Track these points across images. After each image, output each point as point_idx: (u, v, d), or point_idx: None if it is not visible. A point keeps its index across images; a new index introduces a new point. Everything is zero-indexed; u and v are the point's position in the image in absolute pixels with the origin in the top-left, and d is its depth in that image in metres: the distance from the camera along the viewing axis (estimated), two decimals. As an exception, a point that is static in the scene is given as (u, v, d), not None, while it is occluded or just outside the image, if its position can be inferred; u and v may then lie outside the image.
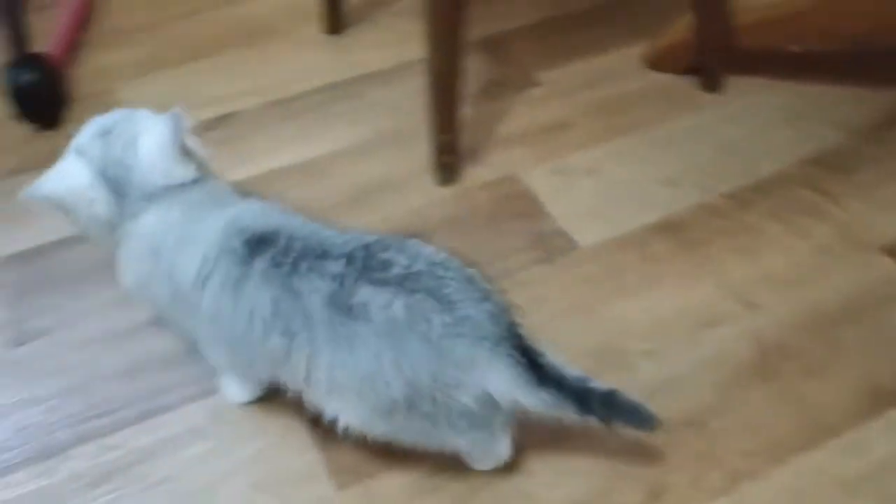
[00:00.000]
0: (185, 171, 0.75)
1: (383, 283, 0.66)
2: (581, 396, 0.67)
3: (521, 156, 1.09)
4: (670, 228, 0.99)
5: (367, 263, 0.67)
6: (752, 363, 0.84)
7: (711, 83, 1.17)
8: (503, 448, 0.75)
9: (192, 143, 0.77)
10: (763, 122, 1.12)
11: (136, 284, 0.77)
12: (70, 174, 0.74)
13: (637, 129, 1.13)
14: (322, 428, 0.80)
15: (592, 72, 1.23)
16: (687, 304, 0.90)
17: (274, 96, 1.22)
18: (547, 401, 0.66)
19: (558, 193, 1.04)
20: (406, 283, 0.66)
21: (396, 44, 1.30)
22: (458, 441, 0.71)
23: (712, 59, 1.16)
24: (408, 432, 0.70)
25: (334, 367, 0.67)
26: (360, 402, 0.67)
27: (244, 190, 0.82)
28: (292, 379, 0.71)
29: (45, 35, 1.26)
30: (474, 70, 1.19)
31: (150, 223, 0.74)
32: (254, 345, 0.70)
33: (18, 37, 1.18)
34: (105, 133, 0.75)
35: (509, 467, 0.77)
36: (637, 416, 0.69)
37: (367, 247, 0.68)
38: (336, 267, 0.67)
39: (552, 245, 0.97)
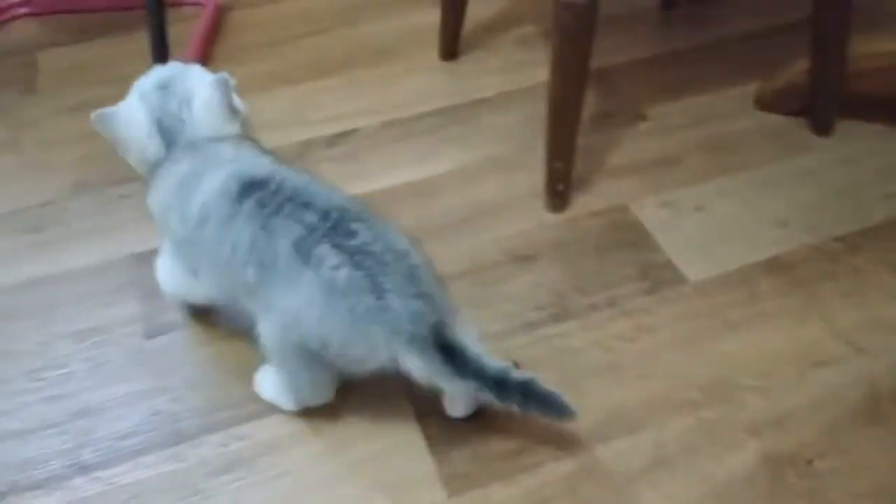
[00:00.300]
0: (231, 128, 0.86)
1: (340, 248, 0.75)
2: (500, 385, 0.75)
3: (630, 187, 1.12)
4: (778, 268, 1.00)
5: (337, 225, 0.76)
6: (862, 406, 0.85)
7: (823, 127, 1.18)
8: (327, 390, 0.85)
9: (238, 103, 0.88)
10: (875, 168, 1.13)
11: (159, 212, 0.87)
12: (132, 119, 0.85)
13: (746, 168, 1.14)
14: (436, 436, 0.84)
15: (701, 109, 1.25)
16: (795, 344, 0.91)
17: (392, 116, 1.27)
18: (467, 387, 0.75)
19: (667, 227, 1.06)
20: (356, 256, 0.75)
21: (510, 71, 1.35)
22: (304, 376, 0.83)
23: (826, 102, 1.17)
24: (293, 362, 0.81)
25: (276, 295, 0.77)
26: (280, 330, 0.78)
27: (276, 153, 0.89)
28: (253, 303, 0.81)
29: (183, 46, 1.35)
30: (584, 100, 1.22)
31: (184, 167, 0.84)
32: (234, 275, 0.80)
33: (160, 46, 1.27)
34: (164, 86, 0.86)
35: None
36: (552, 405, 0.76)
37: (344, 210, 0.78)
38: (312, 218, 0.76)
39: (660, 277, 0.99)
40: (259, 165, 0.83)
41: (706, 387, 0.87)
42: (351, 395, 0.88)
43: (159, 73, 0.89)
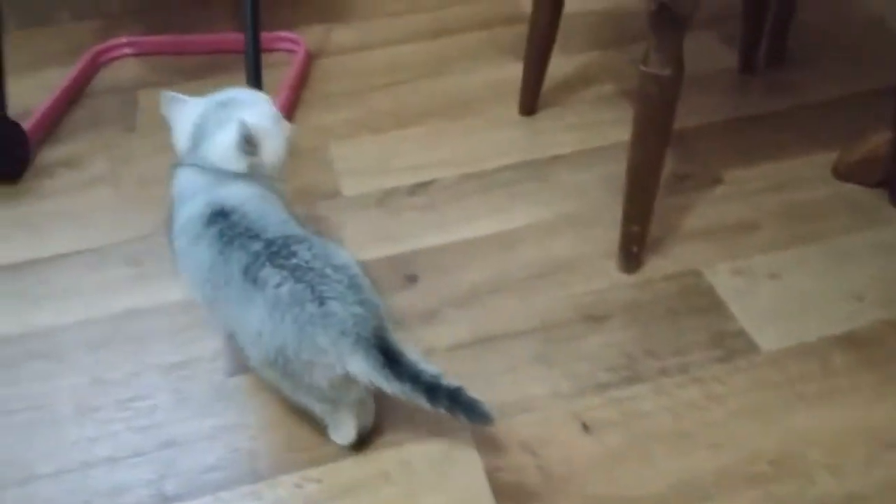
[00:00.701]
0: (236, 166, 0.94)
1: (282, 267, 0.83)
2: (431, 390, 0.81)
3: (704, 252, 1.13)
4: (853, 343, 0.99)
5: (279, 249, 0.84)
6: (937, 493, 0.84)
7: (904, 199, 1.17)
8: (348, 431, 0.91)
9: (271, 149, 0.95)
10: (957, 245, 1.11)
11: (171, 203, 0.97)
12: (185, 113, 0.97)
13: (822, 238, 1.14)
14: (504, 492, 0.86)
15: (778, 175, 1.25)
16: (869, 423, 0.91)
17: (469, 169, 1.31)
18: (404, 390, 0.81)
19: (740, 294, 1.06)
20: (297, 272, 0.83)
21: (587, 129, 1.38)
22: (314, 406, 0.89)
23: (908, 176, 1.16)
24: (282, 385, 0.88)
25: (238, 319, 0.86)
26: (252, 349, 0.86)
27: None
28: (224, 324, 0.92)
29: (274, 90, 1.42)
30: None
31: (188, 176, 0.95)
32: (196, 288, 0.91)
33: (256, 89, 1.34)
34: (224, 104, 0.96)
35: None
36: (475, 411, 0.81)
37: (287, 238, 0.86)
38: (257, 246, 0.85)
39: (732, 345, 1.00)
40: (232, 196, 0.91)
41: (776, 461, 0.87)
42: (421, 445, 0.91)
43: (236, 93, 0.99)
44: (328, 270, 0.83)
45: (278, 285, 0.82)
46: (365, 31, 1.71)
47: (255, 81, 1.35)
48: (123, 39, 1.67)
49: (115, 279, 1.16)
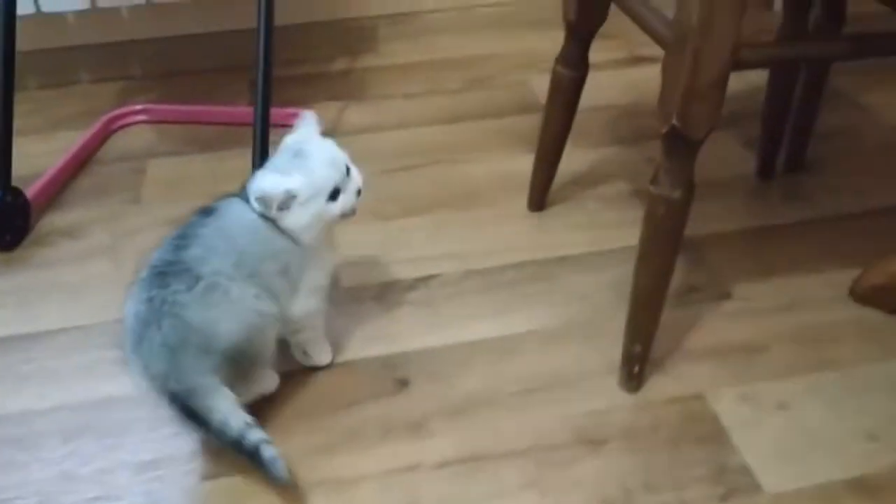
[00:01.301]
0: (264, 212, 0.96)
1: (150, 288, 0.90)
2: (235, 445, 0.90)
3: (709, 374, 1.08)
4: (865, 490, 0.93)
5: (165, 272, 0.90)
6: None
7: (924, 330, 1.12)
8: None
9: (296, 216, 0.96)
10: (979, 384, 1.06)
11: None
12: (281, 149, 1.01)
13: (837, 367, 1.09)
14: None
15: (791, 293, 1.21)
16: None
17: (473, 265, 1.28)
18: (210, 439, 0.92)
19: (745, 424, 1.01)
20: (153, 302, 0.89)
21: (597, 229, 1.34)
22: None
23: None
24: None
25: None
26: None
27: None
28: None
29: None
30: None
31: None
32: None
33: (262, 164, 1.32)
34: (297, 153, 0.97)
35: None
36: (270, 472, 0.89)
37: (180, 265, 0.90)
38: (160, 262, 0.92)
39: (734, 483, 0.94)
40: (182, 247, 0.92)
41: None
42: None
43: (325, 149, 0.99)
44: (168, 321, 0.88)
45: (142, 301, 0.89)
46: (380, 112, 1.70)
47: (262, 155, 1.34)
48: (138, 106, 1.67)
49: (99, 362, 1.12)
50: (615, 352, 1.08)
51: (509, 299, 1.22)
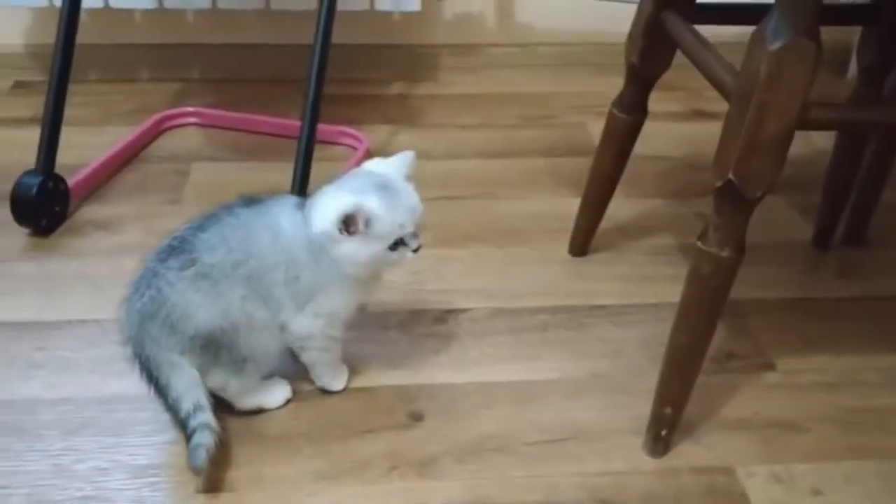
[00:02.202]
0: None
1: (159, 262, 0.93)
2: (182, 424, 0.92)
3: (742, 448, 1.01)
4: None
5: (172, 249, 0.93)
6: None
7: (979, 429, 1.04)
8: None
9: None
10: None
11: None
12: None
13: (878, 456, 1.01)
14: None
15: (836, 372, 1.13)
16: None
17: (504, 304, 1.23)
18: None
19: (775, 507, 0.94)
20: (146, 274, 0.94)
21: (636, 282, 1.29)
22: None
23: None
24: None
25: None
26: None
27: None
28: None
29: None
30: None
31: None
32: None
33: (302, 178, 1.31)
34: (384, 186, 0.95)
35: None
36: (191, 456, 0.90)
37: (186, 243, 0.93)
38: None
39: (756, 571, 0.88)
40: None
41: None
42: None
43: (411, 194, 0.98)
44: (150, 292, 0.91)
45: (144, 267, 0.95)
46: (430, 140, 1.68)
47: (304, 169, 1.31)
48: (190, 108, 1.68)
49: (112, 358, 1.09)
50: (641, 411, 1.02)
51: (537, 344, 1.17)
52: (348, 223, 0.91)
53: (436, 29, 1.93)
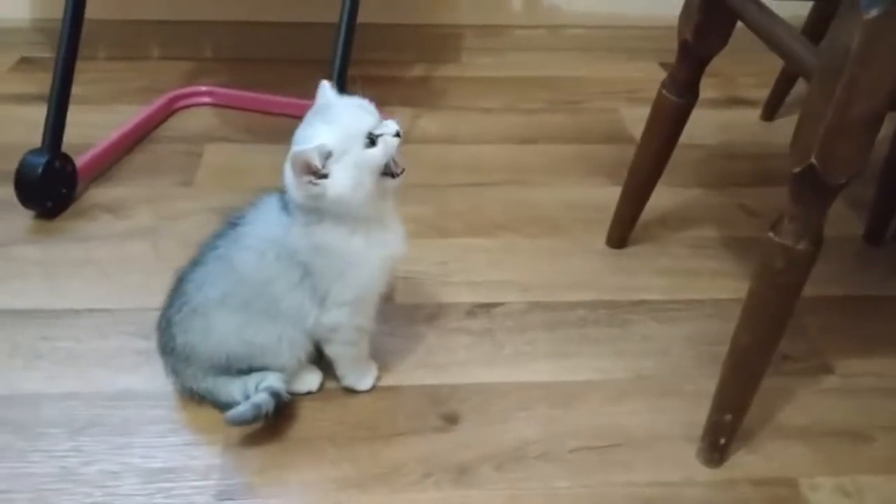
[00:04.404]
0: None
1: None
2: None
3: (804, 458, 0.94)
4: None
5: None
6: None
7: None
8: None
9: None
10: None
11: None
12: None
13: (952, 469, 0.93)
14: None
15: (898, 375, 1.06)
16: None
17: (540, 297, 1.15)
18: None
19: (844, 523, 0.87)
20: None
21: (679, 276, 1.21)
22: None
23: None
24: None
25: None
26: None
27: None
28: None
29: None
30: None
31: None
32: None
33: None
34: (317, 111, 0.88)
35: None
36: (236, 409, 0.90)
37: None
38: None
39: None
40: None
41: None
42: None
43: (349, 99, 0.89)
44: (165, 333, 0.92)
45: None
46: (455, 123, 1.60)
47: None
48: (203, 88, 1.59)
49: (121, 351, 1.02)
50: (692, 417, 0.94)
51: (575, 341, 1.09)
52: (308, 169, 0.83)
53: (459, 9, 1.84)
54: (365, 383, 0.99)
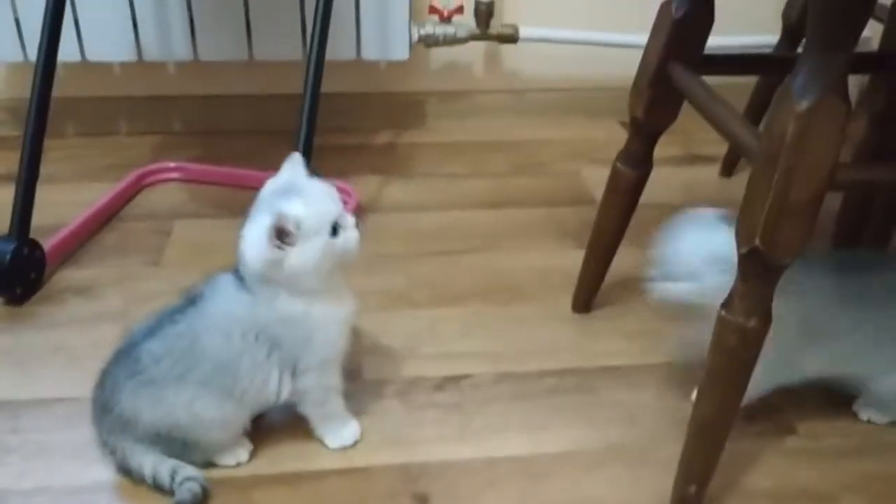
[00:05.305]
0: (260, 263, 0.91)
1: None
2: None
3: (770, 523, 0.95)
4: None
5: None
6: None
7: None
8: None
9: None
10: None
11: None
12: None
13: (915, 528, 0.95)
14: None
15: (860, 435, 1.08)
16: None
17: (508, 367, 1.17)
18: None
19: (811, 591, 0.88)
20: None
21: (646, 338, 1.23)
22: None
23: None
24: None
25: None
26: None
27: None
28: None
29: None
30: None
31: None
32: None
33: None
34: (289, 189, 0.92)
35: None
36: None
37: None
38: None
39: None
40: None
41: None
42: None
43: (319, 183, 0.93)
44: (104, 392, 0.93)
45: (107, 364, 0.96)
46: (421, 190, 1.63)
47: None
48: (172, 164, 1.61)
49: (91, 441, 1.01)
50: (662, 484, 0.96)
51: (545, 411, 1.10)
52: (281, 234, 0.87)
53: (422, 76, 1.89)
54: (340, 440, 1.01)
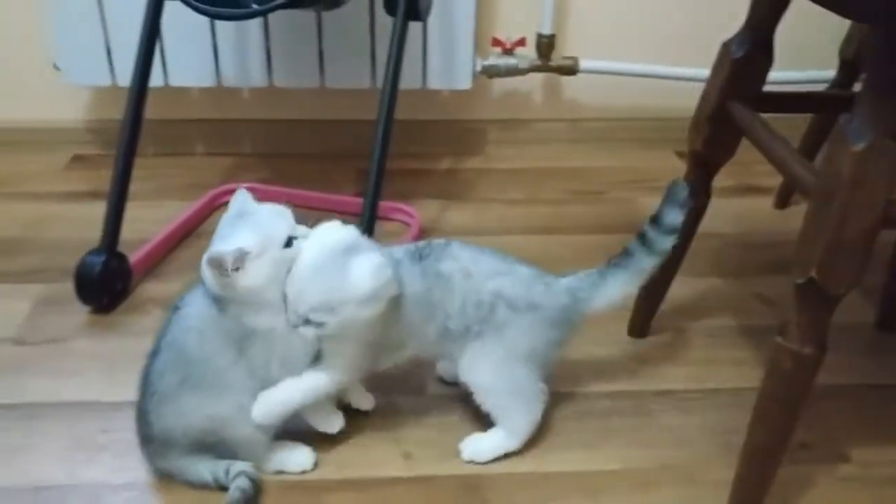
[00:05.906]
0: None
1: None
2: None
3: (821, 548, 0.98)
4: None
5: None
6: None
7: None
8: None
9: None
10: None
11: None
12: None
13: (967, 558, 0.97)
14: None
15: (914, 464, 1.10)
16: None
17: (564, 388, 1.21)
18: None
19: None
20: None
21: (700, 366, 1.27)
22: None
23: None
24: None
25: None
26: None
27: None
28: None
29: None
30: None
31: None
32: None
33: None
34: (238, 216, 0.98)
35: None
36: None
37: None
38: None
39: None
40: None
41: None
42: None
43: (268, 206, 1.01)
44: (142, 421, 1.01)
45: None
46: (480, 215, 1.69)
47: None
48: (245, 184, 1.69)
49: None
50: (714, 505, 1.00)
51: (601, 432, 1.14)
52: (220, 268, 0.92)
53: (484, 105, 1.96)
54: (330, 427, 1.08)
